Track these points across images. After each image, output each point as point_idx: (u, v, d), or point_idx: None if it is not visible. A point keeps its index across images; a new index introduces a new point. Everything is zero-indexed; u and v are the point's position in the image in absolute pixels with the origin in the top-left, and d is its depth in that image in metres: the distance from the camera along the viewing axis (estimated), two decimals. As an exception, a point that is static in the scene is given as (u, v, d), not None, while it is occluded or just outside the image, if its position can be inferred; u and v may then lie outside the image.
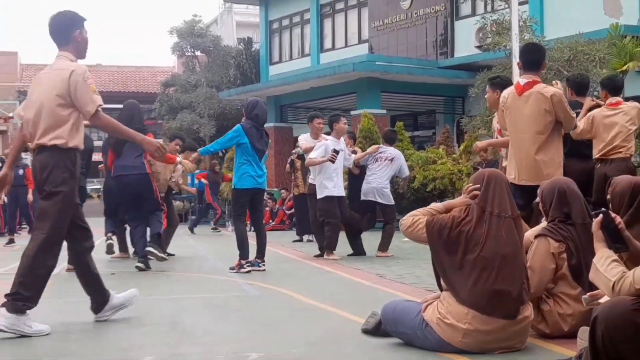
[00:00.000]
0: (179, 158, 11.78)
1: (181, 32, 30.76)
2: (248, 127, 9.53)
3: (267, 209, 21.70)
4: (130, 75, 47.92)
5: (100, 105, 5.62)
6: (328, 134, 11.41)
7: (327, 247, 11.09)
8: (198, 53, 31.86)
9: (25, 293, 5.34)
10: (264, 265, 9.68)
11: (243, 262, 9.46)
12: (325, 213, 11.00)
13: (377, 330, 5.04)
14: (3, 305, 5.32)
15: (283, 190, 23.04)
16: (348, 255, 11.36)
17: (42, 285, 5.50)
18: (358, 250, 11.54)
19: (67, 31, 5.78)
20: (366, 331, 5.12)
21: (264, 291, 7.80)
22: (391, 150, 11.97)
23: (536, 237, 4.98)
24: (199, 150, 10.49)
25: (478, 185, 4.64)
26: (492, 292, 4.43)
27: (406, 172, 12.32)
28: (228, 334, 5.41)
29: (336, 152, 10.88)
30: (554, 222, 5.00)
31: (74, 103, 5.56)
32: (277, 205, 22.11)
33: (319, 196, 11.03)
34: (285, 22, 30.66)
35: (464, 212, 4.59)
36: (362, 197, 11.62)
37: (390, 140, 12.24)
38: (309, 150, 11.31)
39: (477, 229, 4.51)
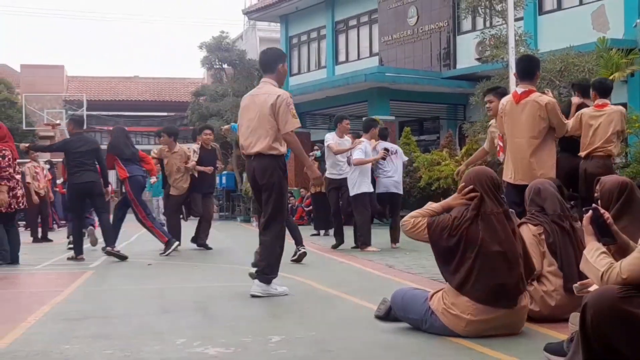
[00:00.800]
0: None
1: (210, 47, 30.80)
2: None
3: (289, 206, 21.73)
4: (164, 86, 48.08)
5: (296, 127, 6.52)
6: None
7: (364, 243, 11.03)
8: (225, 66, 31.91)
9: (270, 271, 6.56)
10: (303, 248, 9.48)
11: None
12: (361, 207, 11.02)
13: (387, 315, 5.03)
14: (257, 277, 6.57)
15: (302, 189, 23.06)
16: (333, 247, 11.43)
17: (279, 261, 6.66)
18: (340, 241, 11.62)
19: (275, 63, 6.68)
20: (378, 317, 5.11)
21: (285, 280, 7.78)
22: (390, 145, 11.94)
23: (518, 226, 5.02)
24: (232, 124, 10.39)
25: (472, 187, 4.61)
26: (493, 286, 4.41)
27: (405, 158, 12.39)
28: (252, 319, 5.41)
29: (387, 150, 11.25)
30: (531, 212, 5.21)
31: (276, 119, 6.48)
32: (296, 203, 22.11)
33: (355, 192, 11.01)
34: (304, 38, 30.65)
35: (462, 213, 4.56)
36: (383, 190, 11.52)
37: (384, 136, 12.16)
38: (340, 151, 11.28)
39: (474, 227, 4.48)
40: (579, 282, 3.99)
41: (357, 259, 9.85)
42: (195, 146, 12.37)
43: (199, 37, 62.66)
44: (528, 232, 5.04)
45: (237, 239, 15.56)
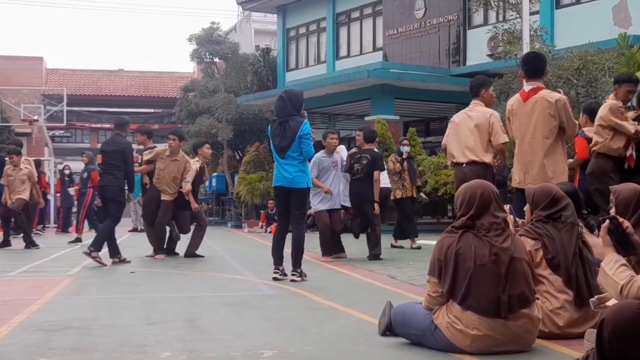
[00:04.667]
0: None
1: (200, 39, 30.78)
2: (272, 123, 8.76)
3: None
4: (151, 81, 48.11)
5: (504, 142, 7.78)
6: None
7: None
8: (216, 60, 31.94)
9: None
10: (295, 275, 8.47)
11: (278, 268, 8.66)
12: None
13: (387, 332, 5.02)
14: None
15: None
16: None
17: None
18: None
19: (479, 88, 8.04)
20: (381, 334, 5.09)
21: (278, 291, 7.80)
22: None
23: None
24: None
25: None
26: (495, 296, 4.42)
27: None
28: (243, 332, 5.41)
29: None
30: (532, 223, 5.16)
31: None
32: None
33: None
34: (302, 30, 30.69)
35: (448, 233, 4.61)
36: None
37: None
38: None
39: (465, 242, 4.51)
40: (596, 297, 3.98)
41: (356, 268, 9.85)
42: (196, 163, 12.41)
43: (189, 28, 62.57)
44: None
45: (227, 245, 15.55)
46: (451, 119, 8.31)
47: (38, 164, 19.65)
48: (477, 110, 8.06)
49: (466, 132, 8.04)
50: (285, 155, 8.50)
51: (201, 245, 12.36)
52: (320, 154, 11.39)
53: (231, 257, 12.41)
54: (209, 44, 30.73)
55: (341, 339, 5.07)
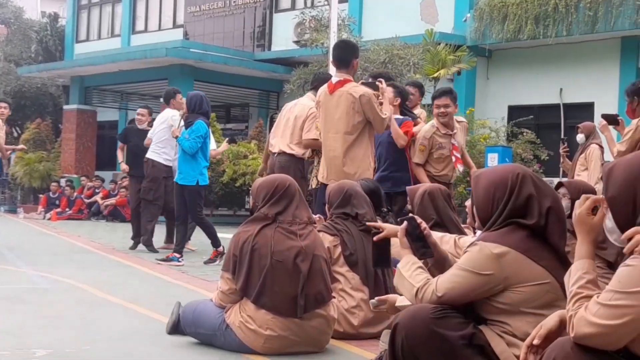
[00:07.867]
0: None
1: (-21, 0, 29.23)
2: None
3: (65, 196, 21.09)
4: None
5: (313, 139, 8.07)
6: None
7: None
8: (-4, 24, 30.40)
9: None
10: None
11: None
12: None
13: (176, 330, 4.98)
14: None
15: (83, 178, 22.42)
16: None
17: None
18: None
19: (321, 82, 7.67)
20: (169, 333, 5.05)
21: (55, 284, 7.54)
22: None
23: None
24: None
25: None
26: (291, 294, 4.50)
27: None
28: (13, 329, 5.18)
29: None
30: (332, 219, 5.33)
31: None
32: (75, 193, 21.41)
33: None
34: (95, -1, 29.80)
35: (245, 226, 4.66)
36: None
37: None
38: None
39: (263, 237, 4.57)
40: (376, 298, 4.12)
41: (144, 261, 9.71)
42: None
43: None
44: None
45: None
46: None
47: None
48: (303, 103, 8.57)
49: (285, 122, 8.58)
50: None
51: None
52: None
53: (2, 245, 11.87)
54: (-11, 6, 29.19)
55: (125, 338, 4.98)
